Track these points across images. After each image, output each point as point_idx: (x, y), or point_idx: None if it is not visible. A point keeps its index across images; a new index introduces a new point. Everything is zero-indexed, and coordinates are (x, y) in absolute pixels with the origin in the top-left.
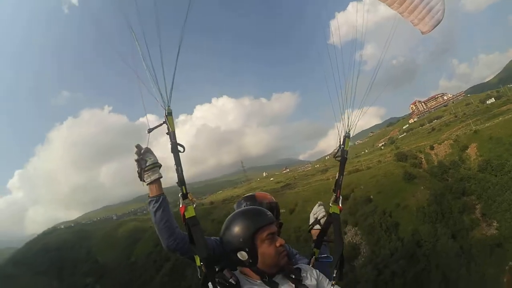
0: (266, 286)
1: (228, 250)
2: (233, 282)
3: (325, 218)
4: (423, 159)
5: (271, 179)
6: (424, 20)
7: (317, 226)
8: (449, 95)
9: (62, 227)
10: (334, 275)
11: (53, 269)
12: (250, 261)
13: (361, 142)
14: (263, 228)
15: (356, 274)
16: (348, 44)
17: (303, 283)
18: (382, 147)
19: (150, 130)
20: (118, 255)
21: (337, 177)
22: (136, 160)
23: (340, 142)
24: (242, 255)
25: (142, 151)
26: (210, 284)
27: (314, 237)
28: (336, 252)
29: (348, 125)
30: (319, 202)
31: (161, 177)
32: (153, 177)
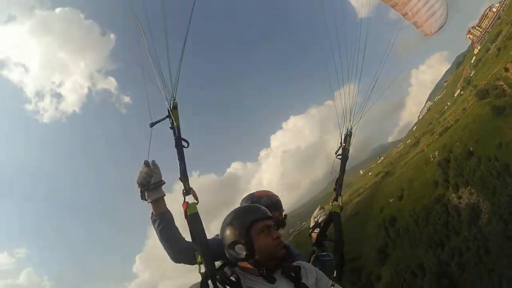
0: (265, 282)
1: (226, 245)
2: (233, 279)
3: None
4: (504, 85)
5: (369, 174)
6: (428, 23)
7: (317, 230)
8: (496, 4)
9: None
10: (334, 274)
11: None
12: (247, 253)
13: (440, 96)
14: (258, 222)
15: (484, 234)
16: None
17: (302, 281)
18: (462, 92)
19: (152, 125)
20: None
21: (338, 175)
22: (143, 177)
23: (341, 140)
24: (239, 248)
25: (151, 167)
26: (210, 281)
27: (314, 241)
28: (336, 252)
29: (350, 122)
30: (319, 206)
31: (164, 195)
32: (157, 196)
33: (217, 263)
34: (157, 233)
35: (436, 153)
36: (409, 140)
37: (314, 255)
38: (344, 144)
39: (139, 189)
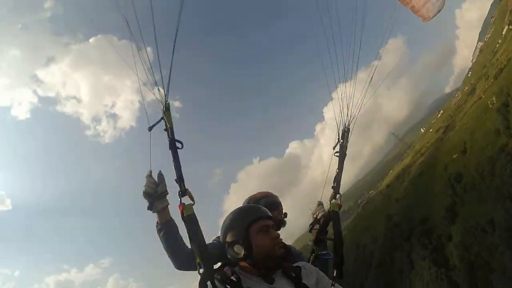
0: (264, 282)
1: (225, 246)
2: (234, 279)
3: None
4: None
5: (430, 130)
6: (426, 6)
7: (317, 226)
8: None
9: None
10: (334, 274)
11: None
12: (246, 253)
13: (489, 35)
14: (257, 221)
15: None
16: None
17: (303, 281)
18: (510, 27)
19: (150, 128)
20: None
21: (336, 173)
22: (150, 187)
23: (338, 136)
24: (238, 248)
25: (157, 178)
26: (209, 282)
27: (314, 237)
28: (336, 250)
29: (348, 118)
30: (318, 201)
31: (169, 204)
32: (163, 205)
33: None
34: (162, 241)
35: (494, 98)
36: (466, 88)
37: (314, 254)
38: (341, 141)
39: (147, 200)
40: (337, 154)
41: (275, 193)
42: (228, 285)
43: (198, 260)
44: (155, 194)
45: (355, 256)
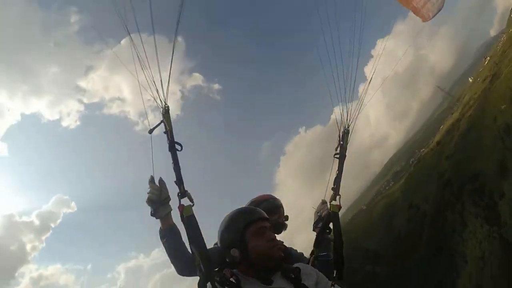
0: (262, 283)
1: (222, 250)
2: (233, 280)
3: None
4: None
5: (478, 80)
6: (426, 7)
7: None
8: None
9: None
10: (334, 275)
11: None
12: (242, 256)
13: None
14: (252, 224)
15: None
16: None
17: (302, 282)
18: None
19: (151, 131)
20: None
21: (336, 175)
22: (154, 194)
23: (339, 138)
24: (234, 251)
25: (159, 184)
26: (209, 284)
27: (314, 240)
28: (336, 251)
29: (347, 119)
30: (322, 200)
31: (171, 209)
32: (166, 211)
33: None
34: (165, 247)
35: None
36: (511, 30)
37: (313, 255)
38: (341, 143)
39: (151, 206)
40: (337, 155)
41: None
42: (227, 286)
43: (197, 262)
44: (158, 200)
45: (408, 217)
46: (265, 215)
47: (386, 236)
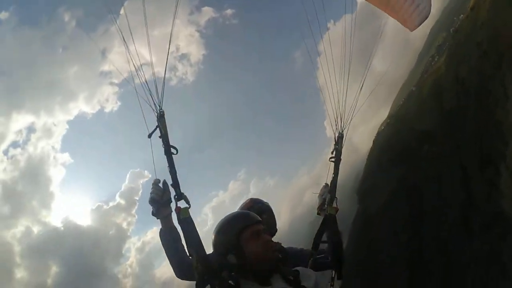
0: (261, 286)
1: (219, 256)
2: (232, 283)
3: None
4: None
5: None
6: (412, 17)
7: (319, 227)
8: None
9: None
10: (333, 276)
11: None
12: (239, 261)
13: None
14: (246, 228)
15: None
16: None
17: (302, 284)
18: None
19: (150, 135)
20: None
21: (332, 178)
22: (157, 194)
23: (335, 142)
24: (231, 258)
25: (162, 186)
26: (209, 286)
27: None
28: (334, 253)
29: (342, 124)
30: (325, 183)
31: (172, 211)
32: (168, 212)
33: None
34: (164, 248)
35: None
36: None
37: (312, 258)
38: (337, 147)
39: (153, 206)
40: (333, 159)
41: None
42: None
43: (195, 265)
44: (160, 201)
45: (455, 92)
46: (258, 218)
47: (438, 114)
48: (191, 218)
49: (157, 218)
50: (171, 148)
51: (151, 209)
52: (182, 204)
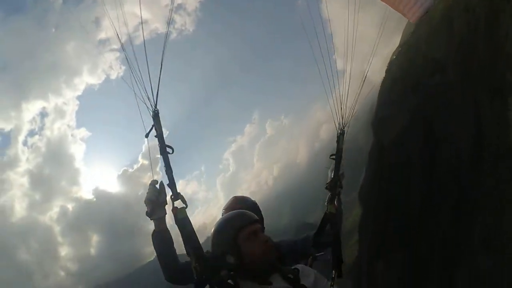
0: (261, 286)
1: (217, 257)
2: (231, 282)
3: (343, 175)
4: None
5: None
6: (413, 9)
7: (339, 183)
8: None
9: None
10: (333, 275)
11: None
12: (238, 263)
13: None
14: (243, 229)
15: None
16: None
17: (301, 283)
18: None
19: (147, 135)
20: None
21: (332, 176)
22: (154, 195)
23: (337, 139)
24: (230, 259)
25: (159, 187)
26: (208, 286)
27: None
28: (334, 252)
29: (343, 121)
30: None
31: (166, 213)
32: (162, 213)
33: None
34: (156, 250)
35: None
36: None
37: (311, 256)
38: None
39: (148, 206)
40: (333, 157)
41: None
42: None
43: (194, 264)
44: (156, 202)
45: (466, 20)
46: (255, 217)
47: (449, 42)
48: (188, 218)
49: (151, 219)
50: (167, 148)
51: (146, 210)
52: (179, 204)
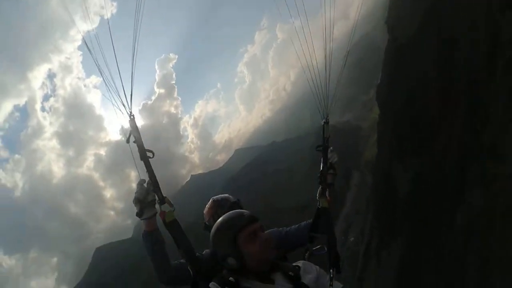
0: (263, 284)
1: (218, 260)
2: (232, 279)
3: (337, 162)
4: None
5: None
6: None
7: (331, 171)
8: None
9: None
10: (331, 274)
11: None
12: (239, 264)
13: None
14: (243, 229)
15: None
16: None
17: (302, 280)
18: None
19: (128, 141)
20: None
21: (321, 168)
22: (142, 194)
23: (323, 130)
24: (231, 261)
25: (147, 187)
26: (212, 283)
27: (330, 181)
28: (329, 248)
29: (326, 109)
30: (331, 148)
31: (157, 212)
32: (152, 212)
33: None
34: (147, 251)
35: None
36: None
37: (308, 251)
38: (322, 134)
39: (137, 206)
40: (320, 149)
41: None
42: (227, 286)
43: (189, 266)
44: (145, 201)
45: None
46: (254, 216)
47: None
48: (177, 221)
49: (141, 219)
50: (147, 152)
51: (135, 210)
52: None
